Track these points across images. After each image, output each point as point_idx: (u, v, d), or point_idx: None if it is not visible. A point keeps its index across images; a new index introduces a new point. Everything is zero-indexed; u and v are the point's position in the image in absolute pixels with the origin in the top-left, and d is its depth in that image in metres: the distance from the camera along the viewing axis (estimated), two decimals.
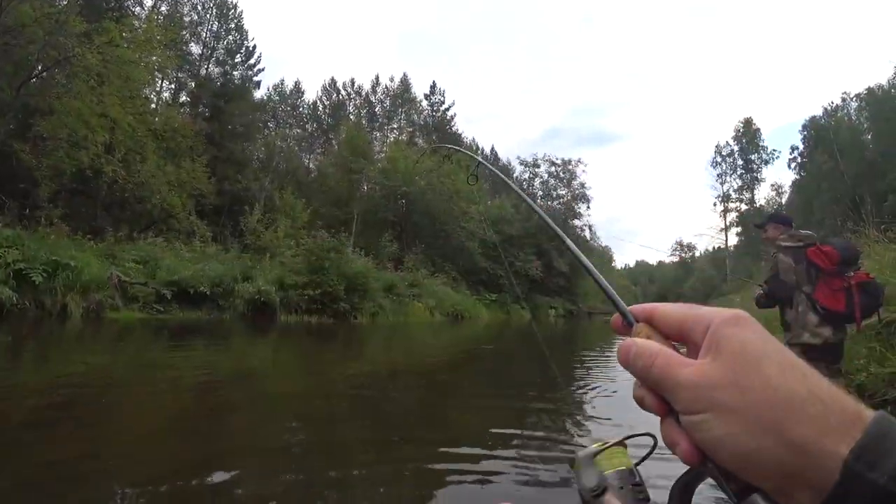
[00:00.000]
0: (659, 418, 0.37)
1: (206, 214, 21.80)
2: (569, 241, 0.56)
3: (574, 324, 27.70)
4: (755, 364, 0.31)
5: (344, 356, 9.34)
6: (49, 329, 9.07)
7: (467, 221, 31.41)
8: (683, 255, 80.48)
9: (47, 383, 4.84)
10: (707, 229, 58.21)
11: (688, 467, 0.38)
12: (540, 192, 45.81)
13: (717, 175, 53.93)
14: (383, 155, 35.51)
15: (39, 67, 14.84)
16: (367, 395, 5.36)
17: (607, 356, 9.82)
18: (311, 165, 36.68)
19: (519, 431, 3.90)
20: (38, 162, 15.63)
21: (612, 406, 4.83)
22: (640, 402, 0.38)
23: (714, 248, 61.96)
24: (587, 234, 47.01)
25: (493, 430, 3.89)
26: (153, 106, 22.59)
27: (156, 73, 20.55)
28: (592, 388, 5.79)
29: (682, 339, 0.38)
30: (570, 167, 45.27)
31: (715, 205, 55.33)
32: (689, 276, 72.71)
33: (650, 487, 0.56)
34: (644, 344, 0.37)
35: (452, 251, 31.57)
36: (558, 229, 0.62)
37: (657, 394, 0.36)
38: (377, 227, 29.28)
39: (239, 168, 25.30)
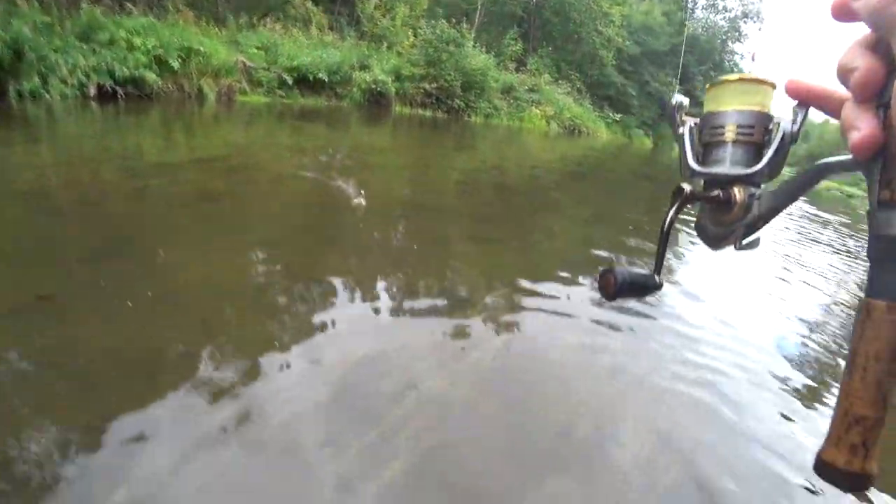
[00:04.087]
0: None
1: (321, 2, 20.86)
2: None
3: None
4: None
5: (455, 151, 9.13)
6: (191, 110, 9.71)
7: (606, 26, 26.73)
8: None
9: (202, 157, 5.35)
10: None
11: None
12: (702, 1, 35.22)
13: None
14: None
15: None
16: (473, 191, 5.35)
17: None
18: None
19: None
20: None
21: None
22: (845, 72, 0.31)
23: None
24: (747, 63, 35.77)
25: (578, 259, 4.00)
26: None
27: None
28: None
29: None
30: None
31: None
32: None
33: None
34: None
35: (582, 58, 27.84)
36: None
37: (885, 51, 0.29)
38: (502, 21, 26.27)
39: None
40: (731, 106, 0.42)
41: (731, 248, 0.45)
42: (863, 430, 0.29)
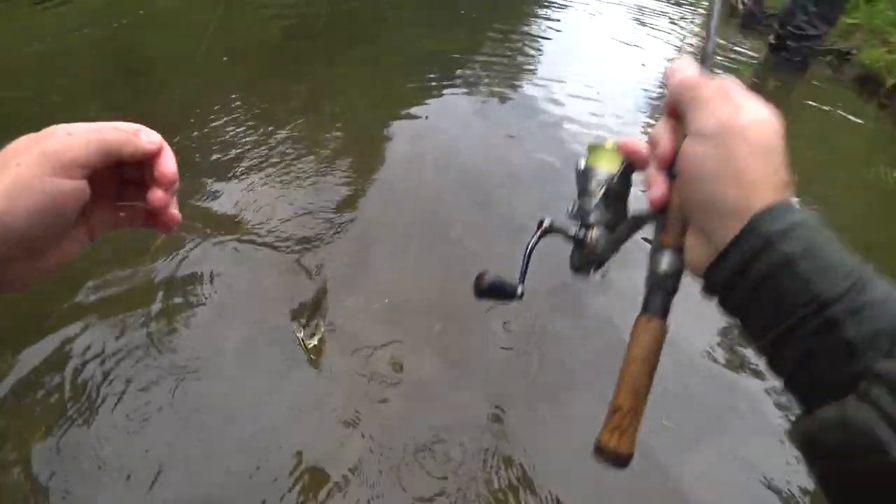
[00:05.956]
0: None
1: None
2: None
3: None
4: None
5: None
6: None
7: None
8: None
9: None
10: None
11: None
12: None
13: None
14: None
15: None
16: (272, 37, 4.21)
17: None
18: None
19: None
20: None
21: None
22: (653, 143, 0.41)
23: None
24: None
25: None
26: None
27: None
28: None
29: None
30: None
31: None
32: None
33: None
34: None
35: None
36: None
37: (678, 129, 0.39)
38: None
39: None
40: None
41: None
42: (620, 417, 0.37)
